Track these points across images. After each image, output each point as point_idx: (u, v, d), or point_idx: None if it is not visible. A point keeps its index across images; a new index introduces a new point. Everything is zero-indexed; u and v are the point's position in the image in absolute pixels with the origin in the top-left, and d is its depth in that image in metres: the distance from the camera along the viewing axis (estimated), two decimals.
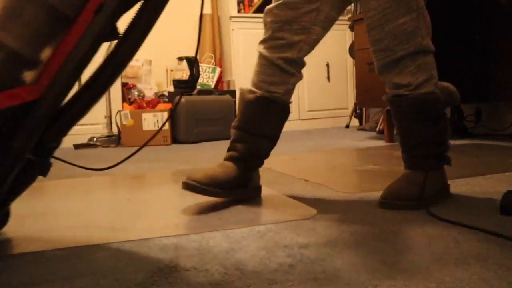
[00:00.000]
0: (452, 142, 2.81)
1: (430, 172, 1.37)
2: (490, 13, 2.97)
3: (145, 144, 1.25)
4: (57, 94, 0.93)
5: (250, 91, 1.44)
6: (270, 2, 1.46)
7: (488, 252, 0.94)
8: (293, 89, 1.47)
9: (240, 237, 1.10)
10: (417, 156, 1.39)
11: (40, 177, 1.20)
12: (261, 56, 1.43)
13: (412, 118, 1.38)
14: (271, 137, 1.47)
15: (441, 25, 2.87)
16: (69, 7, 0.91)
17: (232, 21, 4.04)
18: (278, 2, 1.39)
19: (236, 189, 1.43)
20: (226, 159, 1.47)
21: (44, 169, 1.05)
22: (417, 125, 1.38)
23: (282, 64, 1.40)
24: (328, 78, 4.26)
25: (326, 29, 1.43)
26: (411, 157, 1.40)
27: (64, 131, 1.04)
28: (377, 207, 1.35)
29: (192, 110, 3.47)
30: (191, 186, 1.37)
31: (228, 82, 4.11)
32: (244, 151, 1.44)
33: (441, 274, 0.84)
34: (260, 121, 1.44)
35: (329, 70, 4.22)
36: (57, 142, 1.07)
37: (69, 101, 1.00)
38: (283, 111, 1.47)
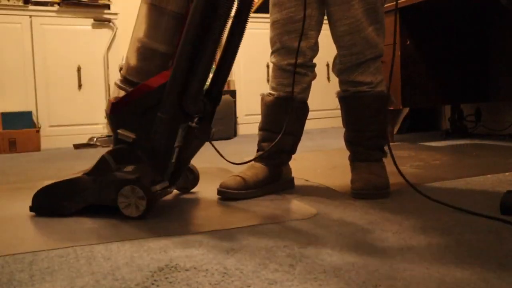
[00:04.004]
0: (452, 142, 2.83)
1: (379, 162, 1.55)
2: (490, 13, 2.97)
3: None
4: (178, 71, 1.29)
5: (269, 94, 1.60)
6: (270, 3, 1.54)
7: (488, 252, 0.94)
8: (308, 87, 1.61)
9: (240, 237, 1.10)
10: (370, 149, 1.55)
11: (40, 177, 1.22)
12: (274, 65, 1.60)
13: (370, 112, 1.54)
14: (293, 133, 1.60)
15: (441, 25, 2.88)
16: (184, 9, 1.31)
17: None
18: (273, 20, 1.56)
19: (268, 184, 1.55)
20: (256, 160, 1.60)
21: (205, 133, 1.41)
22: (374, 119, 1.54)
23: (292, 69, 1.54)
24: (328, 78, 4.26)
25: (319, 31, 1.58)
26: (364, 149, 1.55)
27: (200, 97, 1.33)
28: (352, 197, 1.48)
29: None
30: (224, 193, 1.49)
31: (228, 82, 4.11)
32: (271, 149, 1.56)
33: (441, 274, 0.84)
34: (281, 119, 1.57)
35: (329, 70, 4.23)
36: (206, 106, 1.39)
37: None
38: (301, 108, 1.60)
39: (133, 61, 1.37)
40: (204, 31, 1.26)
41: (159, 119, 1.30)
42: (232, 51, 1.42)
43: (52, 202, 1.37)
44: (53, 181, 1.39)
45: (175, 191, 1.61)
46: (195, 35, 1.26)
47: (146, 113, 1.32)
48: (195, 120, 1.39)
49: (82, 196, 1.34)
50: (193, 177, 1.63)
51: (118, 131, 1.35)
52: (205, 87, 1.37)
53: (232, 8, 1.27)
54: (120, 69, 1.44)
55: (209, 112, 1.42)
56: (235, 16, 1.38)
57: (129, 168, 1.33)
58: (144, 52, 1.35)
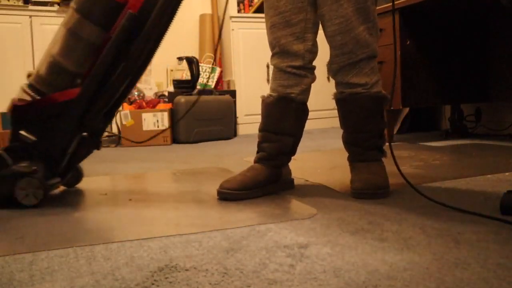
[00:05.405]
0: (452, 142, 2.83)
1: (378, 162, 1.55)
2: (490, 13, 2.97)
3: None
4: (86, 93, 1.49)
5: (270, 95, 1.61)
6: None
7: (488, 252, 0.94)
8: (307, 89, 1.61)
9: (240, 237, 1.10)
10: (368, 149, 1.55)
11: None
12: (274, 68, 1.61)
13: (367, 114, 1.53)
14: (293, 134, 1.60)
15: (441, 26, 2.88)
16: (100, 42, 1.49)
17: (232, 21, 4.04)
18: (271, 24, 1.57)
19: (267, 185, 1.55)
20: (255, 161, 1.60)
21: (95, 145, 1.60)
22: (370, 120, 1.54)
23: (292, 70, 1.56)
24: (328, 78, 4.26)
25: (316, 33, 1.59)
26: (363, 150, 1.55)
27: (98, 115, 1.52)
28: (352, 197, 1.48)
29: (192, 110, 3.46)
30: (224, 194, 1.50)
31: (228, 82, 4.11)
32: (270, 151, 1.58)
33: (441, 274, 0.84)
34: (280, 120, 1.58)
35: None
36: (101, 124, 1.57)
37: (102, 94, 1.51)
38: (301, 109, 1.61)
39: (43, 72, 1.52)
40: (117, 65, 1.46)
41: (60, 129, 1.49)
42: (133, 79, 1.56)
43: None
44: None
45: (61, 186, 1.76)
46: (108, 66, 1.46)
47: (48, 121, 1.50)
48: (88, 132, 1.57)
49: None
50: (78, 176, 1.79)
51: (20, 132, 1.50)
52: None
53: (145, 50, 1.48)
54: (29, 76, 1.58)
55: (102, 128, 1.60)
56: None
57: (24, 163, 1.49)
58: (54, 67, 1.50)
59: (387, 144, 1.54)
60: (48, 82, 1.51)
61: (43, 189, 1.46)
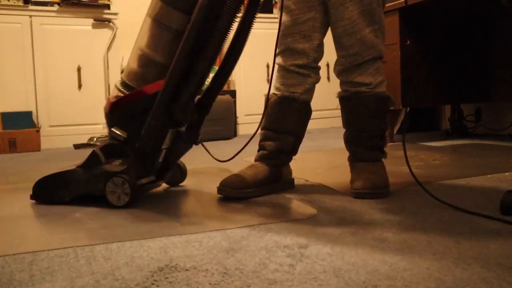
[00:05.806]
0: (452, 142, 2.83)
1: (379, 162, 1.56)
2: (490, 13, 2.97)
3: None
4: (171, 81, 1.37)
5: (273, 94, 1.62)
6: (270, 3, 1.55)
7: (488, 252, 0.94)
8: (311, 88, 1.62)
9: (240, 237, 1.10)
10: (369, 149, 1.55)
11: (40, 177, 1.22)
12: (279, 66, 1.62)
13: (369, 113, 1.54)
14: (295, 134, 1.60)
15: (441, 26, 2.88)
16: (184, 26, 1.40)
17: None
18: (280, 23, 1.58)
19: (267, 184, 1.55)
20: (256, 159, 1.61)
21: (192, 139, 1.51)
22: (373, 120, 1.54)
23: (296, 69, 1.57)
24: (328, 78, 4.26)
25: (324, 34, 1.60)
26: (364, 150, 1.55)
27: (189, 108, 1.40)
28: (352, 197, 1.47)
29: None
30: (223, 191, 1.50)
31: (228, 82, 4.11)
32: (272, 149, 1.58)
33: (441, 274, 0.84)
34: (283, 119, 1.59)
35: (329, 70, 4.23)
36: (195, 116, 1.46)
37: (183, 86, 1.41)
38: (304, 109, 1.61)
39: (133, 67, 1.49)
40: (199, 48, 1.35)
41: (148, 124, 1.42)
42: (229, 66, 1.48)
43: (49, 191, 1.53)
44: (51, 173, 1.53)
45: (164, 185, 1.75)
46: (190, 51, 1.34)
47: (139, 116, 1.44)
48: (184, 126, 1.51)
49: (74, 186, 1.49)
50: (181, 174, 1.75)
51: (112, 129, 1.47)
52: (198, 96, 1.49)
53: (229, 31, 1.36)
54: (122, 72, 1.55)
55: (197, 120, 1.50)
56: (234, 34, 1.44)
57: (117, 162, 1.48)
58: (144, 60, 1.46)
59: (389, 144, 1.55)
60: (139, 76, 1.47)
61: (130, 190, 1.42)
